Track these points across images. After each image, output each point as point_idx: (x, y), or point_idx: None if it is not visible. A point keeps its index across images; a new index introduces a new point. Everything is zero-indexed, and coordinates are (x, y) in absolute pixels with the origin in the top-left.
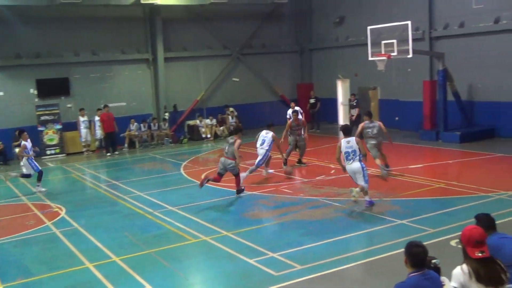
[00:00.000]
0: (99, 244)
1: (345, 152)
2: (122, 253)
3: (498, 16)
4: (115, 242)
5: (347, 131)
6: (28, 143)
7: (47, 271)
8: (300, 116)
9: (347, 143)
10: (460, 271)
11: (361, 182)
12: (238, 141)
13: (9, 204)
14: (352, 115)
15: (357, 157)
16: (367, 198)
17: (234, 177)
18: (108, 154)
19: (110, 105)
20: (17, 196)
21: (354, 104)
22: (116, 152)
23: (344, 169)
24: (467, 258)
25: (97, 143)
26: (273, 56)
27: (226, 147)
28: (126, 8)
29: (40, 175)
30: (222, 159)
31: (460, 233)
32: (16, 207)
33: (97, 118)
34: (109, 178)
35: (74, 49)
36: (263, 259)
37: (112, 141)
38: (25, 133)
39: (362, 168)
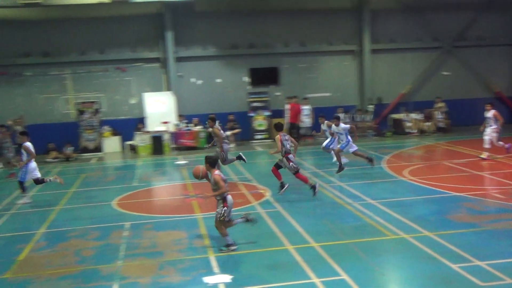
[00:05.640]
0: (299, 229)
1: None
2: (320, 240)
3: None
4: (314, 229)
5: None
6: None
7: (252, 247)
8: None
9: None
10: None
11: None
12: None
13: None
14: None
15: None
16: None
17: None
18: None
19: (315, 95)
20: (228, 175)
21: None
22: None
23: None
24: None
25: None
26: (490, 49)
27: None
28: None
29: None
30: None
31: None
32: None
33: (287, 106)
34: (311, 165)
35: (284, 40)
36: (468, 266)
37: (296, 131)
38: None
39: None
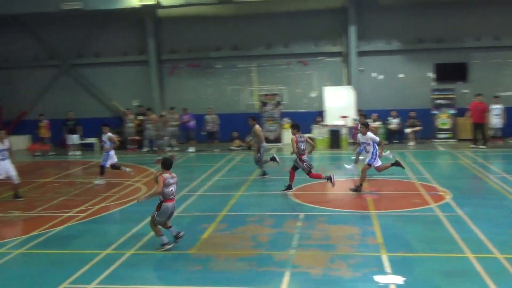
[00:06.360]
0: (482, 236)
1: None
2: (507, 251)
3: None
4: (500, 238)
5: None
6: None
7: (427, 250)
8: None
9: None
10: None
11: None
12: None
13: (399, 180)
14: None
15: None
16: None
17: None
18: (472, 146)
19: (509, 93)
20: (405, 174)
21: None
22: (482, 146)
23: None
24: None
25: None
26: None
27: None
28: None
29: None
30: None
31: None
32: (405, 184)
33: None
34: (500, 170)
35: (476, 33)
36: None
37: (481, 132)
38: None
39: None
